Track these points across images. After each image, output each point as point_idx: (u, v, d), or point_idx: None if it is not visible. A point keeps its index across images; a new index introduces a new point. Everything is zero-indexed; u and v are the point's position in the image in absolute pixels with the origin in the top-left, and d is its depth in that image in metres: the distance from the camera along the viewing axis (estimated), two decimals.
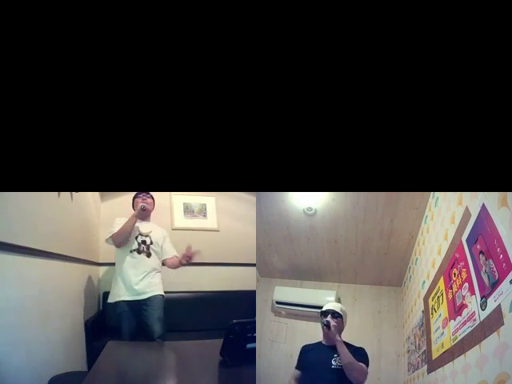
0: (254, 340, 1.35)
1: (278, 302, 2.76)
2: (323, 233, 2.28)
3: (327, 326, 1.51)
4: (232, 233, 3.43)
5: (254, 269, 2.82)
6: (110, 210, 3.16)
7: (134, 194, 2.46)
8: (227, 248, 3.33)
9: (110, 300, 2.24)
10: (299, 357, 1.60)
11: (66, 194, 2.05)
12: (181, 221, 3.35)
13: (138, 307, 2.20)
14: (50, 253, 1.76)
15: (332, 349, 1.49)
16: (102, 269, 3.09)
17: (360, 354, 1.45)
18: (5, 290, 1.27)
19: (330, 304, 1.64)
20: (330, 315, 1.54)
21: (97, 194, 3.06)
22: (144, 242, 2.29)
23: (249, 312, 2.17)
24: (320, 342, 1.59)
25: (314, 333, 2.54)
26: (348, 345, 1.51)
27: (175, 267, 2.36)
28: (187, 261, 2.22)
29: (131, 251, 2.25)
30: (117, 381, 1.24)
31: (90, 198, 2.79)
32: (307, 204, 2.08)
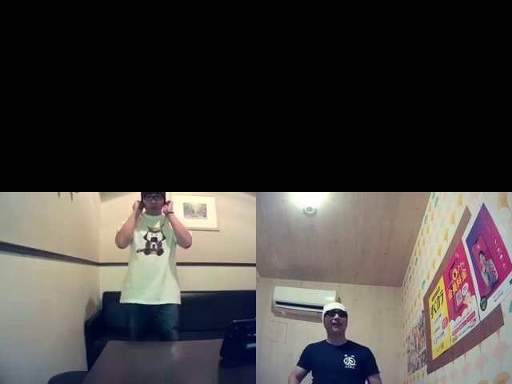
0: (253, 340, 1.35)
1: (278, 302, 2.76)
2: (323, 233, 2.28)
3: (338, 323, 1.55)
4: (232, 233, 3.43)
5: (253, 269, 2.82)
6: (110, 209, 3.16)
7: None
8: (227, 248, 3.33)
9: (122, 300, 2.12)
10: (304, 354, 1.62)
11: (66, 194, 2.05)
12: (181, 221, 3.34)
13: (149, 312, 2.09)
14: (50, 253, 1.76)
15: (341, 348, 1.53)
16: (102, 269, 3.09)
17: (369, 356, 1.51)
18: (5, 290, 1.27)
19: (333, 304, 1.68)
20: (337, 314, 1.57)
21: (97, 194, 3.06)
22: (155, 239, 2.15)
23: (249, 312, 2.17)
24: (325, 342, 1.62)
25: (314, 333, 2.54)
26: (354, 344, 1.57)
27: (180, 231, 2.19)
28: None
29: (138, 251, 2.12)
30: (117, 381, 1.24)
31: (90, 198, 2.79)
32: (307, 204, 2.08)
